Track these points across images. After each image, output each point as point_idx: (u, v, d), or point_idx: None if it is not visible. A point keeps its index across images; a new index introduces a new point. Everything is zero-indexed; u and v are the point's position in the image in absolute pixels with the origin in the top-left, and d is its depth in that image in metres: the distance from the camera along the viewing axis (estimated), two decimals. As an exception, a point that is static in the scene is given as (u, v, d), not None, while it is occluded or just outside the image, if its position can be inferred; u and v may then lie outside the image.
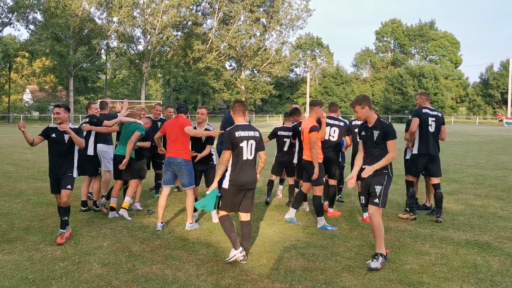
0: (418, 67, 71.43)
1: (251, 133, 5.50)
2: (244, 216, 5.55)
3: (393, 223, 7.16)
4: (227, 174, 5.47)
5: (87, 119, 7.97)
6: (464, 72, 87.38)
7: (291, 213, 7.27)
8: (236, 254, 5.29)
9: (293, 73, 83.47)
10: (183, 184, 6.94)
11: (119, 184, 7.72)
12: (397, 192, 9.64)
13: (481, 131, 40.57)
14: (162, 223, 6.80)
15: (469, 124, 60.48)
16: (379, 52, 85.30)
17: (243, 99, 66.17)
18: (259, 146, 5.55)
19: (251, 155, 5.48)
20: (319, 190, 6.97)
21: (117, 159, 7.57)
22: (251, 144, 5.46)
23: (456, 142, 25.66)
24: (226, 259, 5.31)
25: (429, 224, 7.11)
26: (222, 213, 5.51)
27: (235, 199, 5.47)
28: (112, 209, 7.47)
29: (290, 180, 8.56)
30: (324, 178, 7.11)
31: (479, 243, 6.16)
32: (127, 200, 7.43)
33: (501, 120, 58.27)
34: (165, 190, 6.96)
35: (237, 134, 5.42)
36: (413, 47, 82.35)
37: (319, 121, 7.12)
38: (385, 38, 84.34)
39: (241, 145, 5.40)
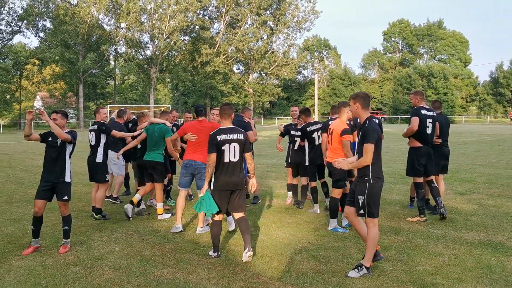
0: (427, 67, 70.92)
1: (234, 136, 5.66)
2: (238, 215, 5.74)
3: (404, 224, 7.10)
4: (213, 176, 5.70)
5: (95, 126, 7.88)
6: (474, 71, 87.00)
7: (332, 223, 6.87)
8: (212, 254, 5.69)
9: (301, 75, 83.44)
10: (200, 187, 6.87)
11: (150, 187, 7.83)
12: (407, 193, 9.55)
13: (492, 130, 40.17)
14: (181, 224, 6.94)
15: (480, 123, 59.94)
16: (387, 53, 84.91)
17: (251, 102, 66.26)
18: (245, 148, 5.72)
19: (234, 157, 5.64)
20: (338, 193, 6.85)
21: (147, 164, 7.69)
22: (234, 146, 5.63)
23: (467, 141, 25.43)
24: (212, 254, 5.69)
25: (441, 225, 7.04)
26: (216, 218, 5.69)
27: (221, 200, 5.65)
28: (132, 203, 7.58)
29: (304, 180, 8.41)
30: (346, 182, 6.93)
31: (493, 243, 6.09)
32: (137, 197, 7.59)
33: (512, 119, 57.72)
34: (183, 192, 7.06)
35: (219, 137, 5.61)
36: (421, 47, 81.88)
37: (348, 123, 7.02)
38: (393, 39, 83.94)
39: (223, 148, 5.60)
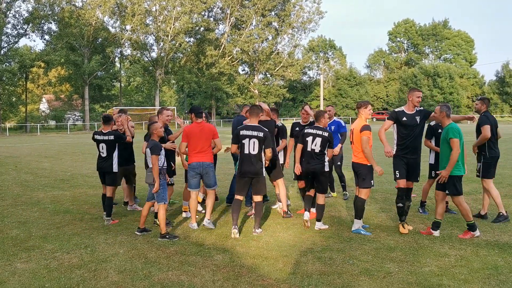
0: (432, 66, 70.65)
1: (255, 133, 6.71)
2: (256, 198, 6.88)
3: (410, 224, 7.03)
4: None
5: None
6: (480, 71, 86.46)
7: (356, 224, 6.80)
8: (232, 228, 6.62)
9: (306, 76, 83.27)
10: (209, 185, 7.20)
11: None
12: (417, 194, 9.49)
13: (499, 129, 39.79)
14: (196, 223, 7.18)
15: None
16: (393, 53, 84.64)
17: (257, 103, 66.23)
18: (265, 145, 6.69)
19: (254, 150, 6.69)
20: (364, 193, 6.73)
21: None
22: (254, 142, 6.68)
23: (473, 141, 25.25)
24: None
25: (447, 225, 6.99)
26: (238, 197, 6.85)
27: (242, 184, 6.86)
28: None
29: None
30: (372, 182, 6.76)
31: (500, 243, 6.03)
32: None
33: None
34: (194, 193, 7.23)
35: (241, 132, 6.79)
36: (426, 47, 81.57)
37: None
38: (398, 39, 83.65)
39: (243, 141, 6.74)
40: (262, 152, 6.73)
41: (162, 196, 6.55)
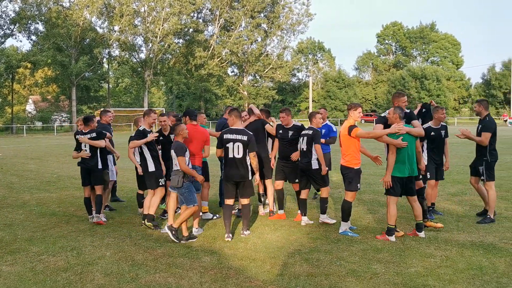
0: (420, 69, 71.27)
1: (239, 137, 6.61)
2: (243, 201, 6.83)
3: (397, 226, 7.08)
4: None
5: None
6: (466, 73, 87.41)
7: (343, 226, 6.82)
8: (225, 237, 6.55)
9: (295, 77, 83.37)
10: (197, 188, 7.05)
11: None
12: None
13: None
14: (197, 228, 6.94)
15: (473, 125, 60.05)
16: (381, 55, 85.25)
17: (246, 105, 66.23)
18: (249, 148, 6.62)
19: (238, 154, 6.60)
20: (350, 196, 6.79)
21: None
22: (238, 145, 6.59)
23: (460, 143, 25.52)
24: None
25: (433, 227, 7.05)
26: (227, 202, 6.76)
27: (229, 188, 6.77)
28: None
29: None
30: (358, 186, 6.83)
31: (484, 244, 6.11)
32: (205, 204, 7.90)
33: (506, 120, 58.07)
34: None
35: (225, 136, 6.69)
36: (414, 49, 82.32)
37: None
38: (386, 41, 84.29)
39: (227, 145, 6.64)
40: (247, 155, 6.67)
41: (191, 199, 6.51)
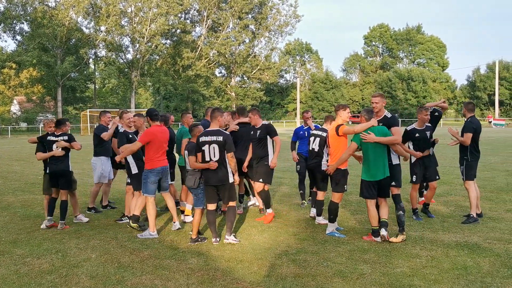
0: (406, 70, 72.05)
1: (214, 138, 6.32)
2: (227, 205, 6.58)
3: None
4: None
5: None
6: (452, 75, 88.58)
7: (330, 227, 6.83)
8: (213, 241, 6.41)
9: (283, 79, 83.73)
10: (166, 188, 7.23)
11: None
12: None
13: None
14: (156, 231, 6.89)
15: (458, 126, 59.85)
16: (368, 57, 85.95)
17: (233, 106, 66.18)
18: (226, 149, 6.34)
19: (215, 156, 6.32)
20: (337, 197, 6.82)
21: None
22: (213, 147, 6.31)
23: (445, 144, 25.81)
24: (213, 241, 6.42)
25: (419, 227, 7.12)
26: (210, 207, 6.52)
27: (209, 193, 6.50)
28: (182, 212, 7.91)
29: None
30: (346, 187, 6.92)
31: (469, 244, 6.17)
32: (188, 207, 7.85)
33: (490, 122, 58.87)
34: (153, 199, 6.94)
35: (201, 139, 6.41)
36: (401, 51, 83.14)
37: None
38: (373, 43, 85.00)
39: (203, 148, 6.36)
40: (226, 157, 6.37)
41: (201, 201, 6.58)
